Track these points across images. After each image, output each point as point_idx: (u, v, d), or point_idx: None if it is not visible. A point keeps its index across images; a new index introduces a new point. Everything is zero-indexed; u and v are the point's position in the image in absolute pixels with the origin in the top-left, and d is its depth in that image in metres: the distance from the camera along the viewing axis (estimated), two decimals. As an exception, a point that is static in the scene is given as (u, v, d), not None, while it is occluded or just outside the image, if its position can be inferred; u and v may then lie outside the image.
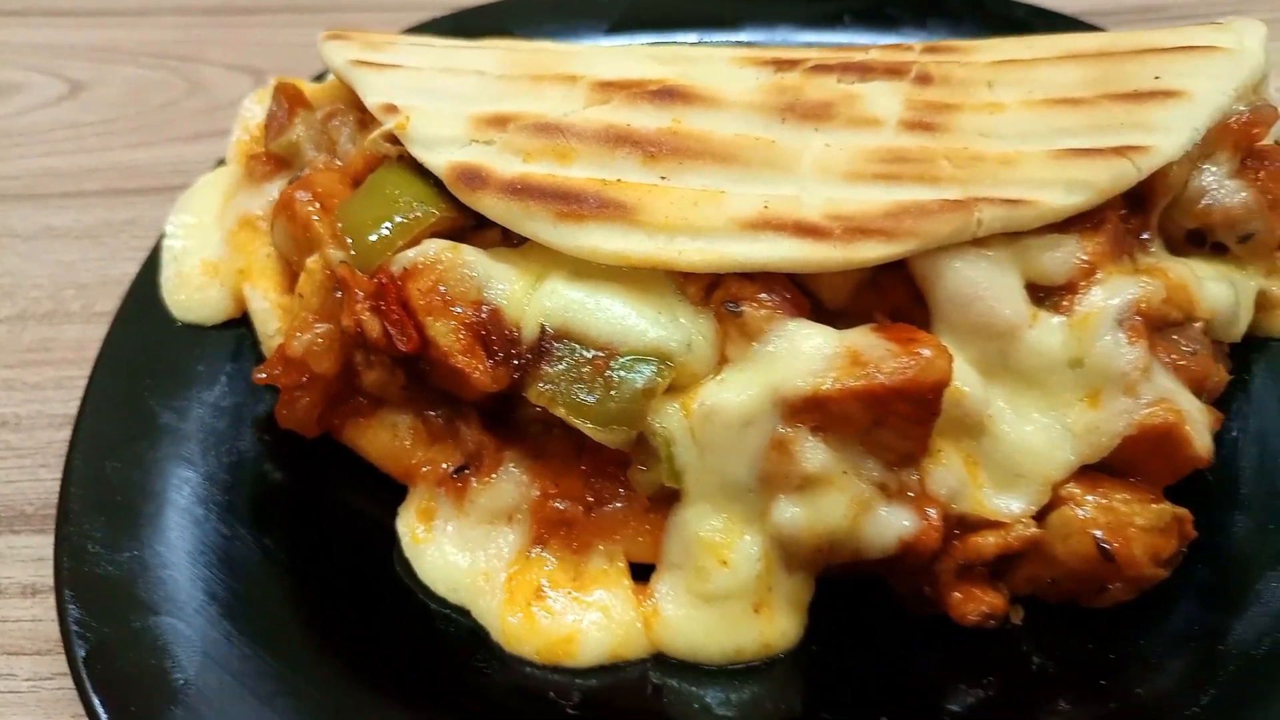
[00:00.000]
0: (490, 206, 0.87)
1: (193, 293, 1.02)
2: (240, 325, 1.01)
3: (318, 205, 0.94)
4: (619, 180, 0.87)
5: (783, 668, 0.84)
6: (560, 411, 0.83)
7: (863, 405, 0.78)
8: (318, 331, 0.90)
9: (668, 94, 0.94)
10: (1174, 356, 0.83)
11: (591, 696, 0.82)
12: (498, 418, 0.91)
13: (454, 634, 0.85)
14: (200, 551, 0.85)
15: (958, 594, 0.81)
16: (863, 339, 0.80)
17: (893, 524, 0.79)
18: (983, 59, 0.98)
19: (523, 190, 0.86)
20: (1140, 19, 1.48)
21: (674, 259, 0.83)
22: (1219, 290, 0.87)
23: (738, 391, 0.81)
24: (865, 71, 0.97)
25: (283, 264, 0.99)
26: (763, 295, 0.84)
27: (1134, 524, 0.79)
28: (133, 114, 1.40)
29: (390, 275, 0.86)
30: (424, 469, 0.91)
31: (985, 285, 0.83)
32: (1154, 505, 0.80)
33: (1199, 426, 0.79)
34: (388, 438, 0.93)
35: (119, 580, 0.82)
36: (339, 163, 1.01)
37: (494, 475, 0.89)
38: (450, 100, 0.95)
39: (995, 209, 0.83)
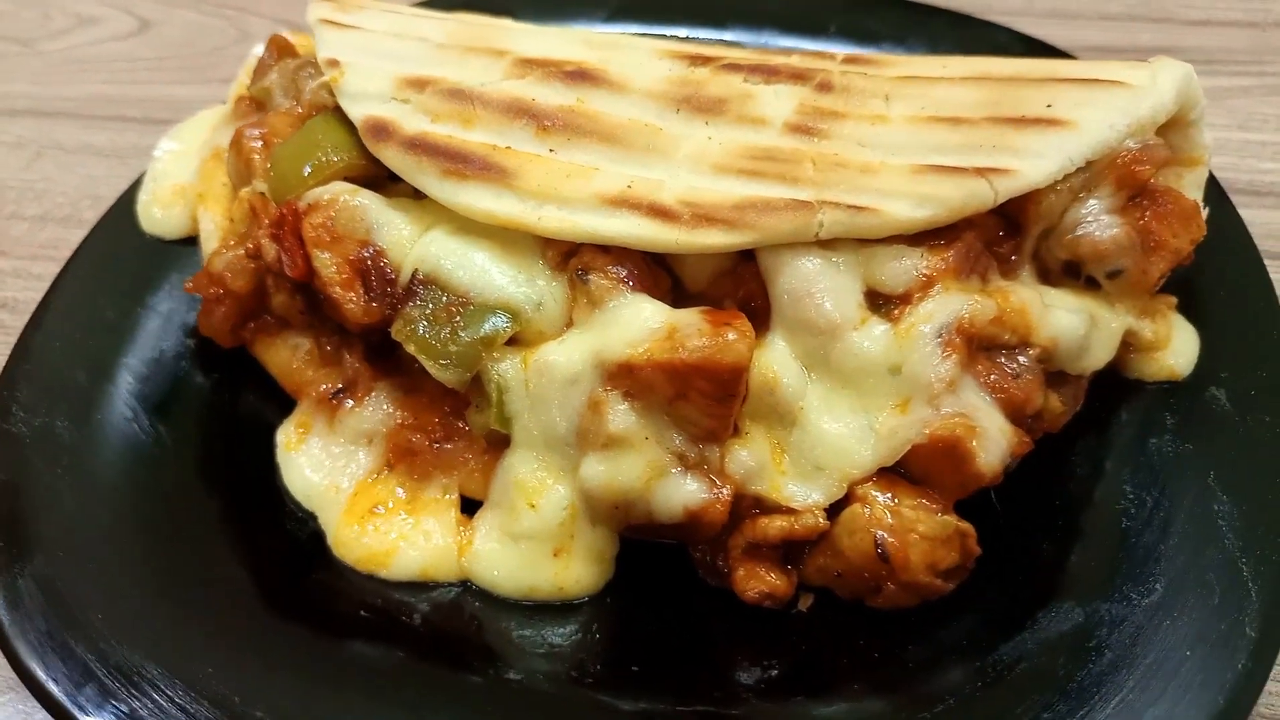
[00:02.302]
0: (390, 158, 0.96)
1: (160, 210, 1.14)
2: (195, 243, 1.13)
3: (261, 143, 1.05)
4: (509, 148, 0.94)
5: (585, 614, 0.90)
6: (411, 348, 0.91)
7: (665, 377, 0.83)
8: (238, 253, 1.01)
9: (579, 75, 1.01)
10: (995, 377, 0.85)
11: (403, 608, 0.90)
12: (382, 352, 1.00)
13: (299, 535, 0.94)
14: (101, 428, 0.97)
15: (743, 571, 0.85)
16: (686, 318, 0.85)
17: (682, 492, 0.84)
18: (892, 73, 1.00)
19: (419, 146, 0.95)
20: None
21: (534, 224, 0.90)
22: (1067, 320, 0.88)
23: (569, 352, 0.88)
24: (772, 74, 1.00)
25: (233, 192, 1.10)
26: (613, 268, 0.89)
27: (916, 530, 0.81)
28: (185, 54, 1.56)
29: (293, 208, 0.96)
30: (310, 388, 1.01)
31: (818, 283, 0.86)
32: (939, 516, 0.81)
33: (991, 445, 0.81)
34: (287, 356, 1.03)
35: (26, 439, 0.95)
36: (300, 109, 1.12)
37: (364, 402, 0.98)
38: (386, 60, 1.04)
39: (838, 213, 0.86)
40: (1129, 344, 0.94)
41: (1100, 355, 0.91)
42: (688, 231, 0.87)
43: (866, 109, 0.96)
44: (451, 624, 0.90)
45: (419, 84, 1.00)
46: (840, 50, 1.10)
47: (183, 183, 1.16)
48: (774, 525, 0.84)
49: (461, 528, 0.92)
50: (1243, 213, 1.25)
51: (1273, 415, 0.89)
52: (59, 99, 1.50)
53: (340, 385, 0.99)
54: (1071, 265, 0.93)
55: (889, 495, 0.83)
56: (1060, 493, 0.90)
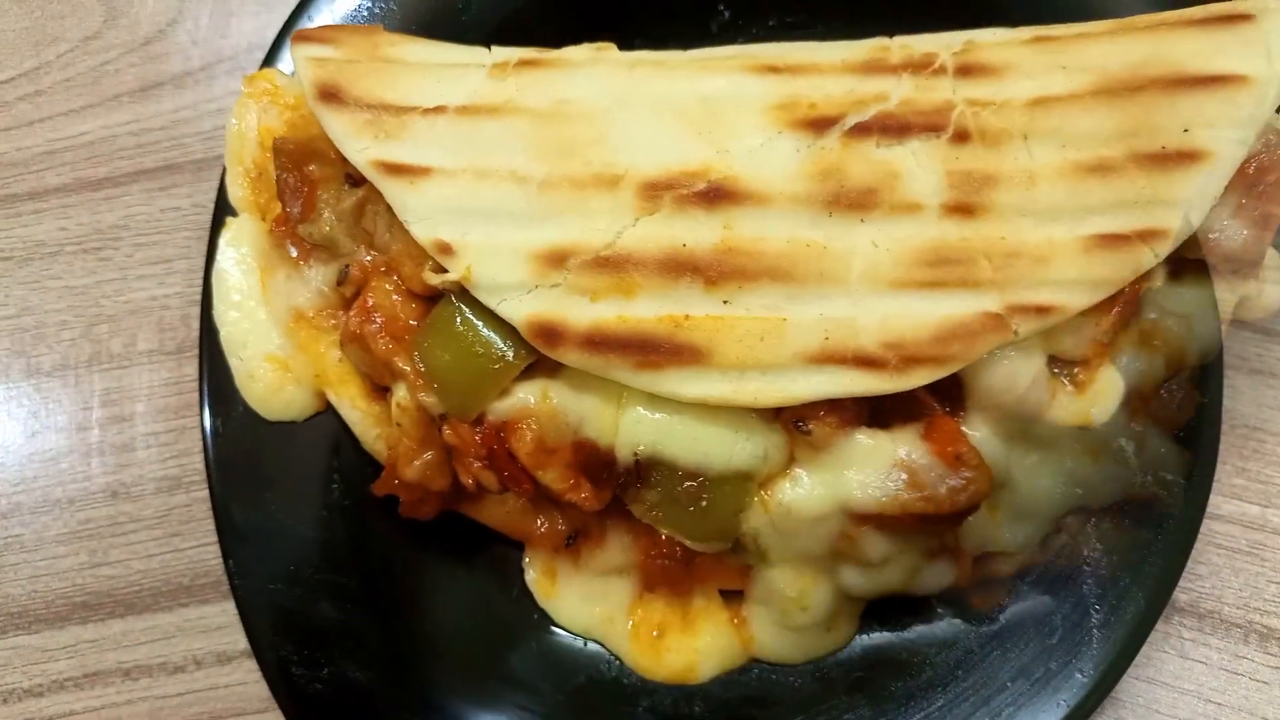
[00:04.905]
0: (573, 361, 0.93)
1: (271, 394, 1.06)
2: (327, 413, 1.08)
3: (389, 339, 0.98)
4: (686, 317, 0.93)
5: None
6: (665, 530, 0.99)
7: (916, 520, 0.95)
8: (426, 459, 1.00)
9: (715, 194, 0.95)
10: (1164, 411, 1.00)
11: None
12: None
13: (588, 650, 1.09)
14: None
15: (977, 600, 1.06)
16: (918, 458, 0.95)
17: (938, 577, 1.01)
18: (1017, 95, 0.97)
19: (600, 344, 0.92)
20: None
21: (750, 401, 0.93)
22: (1206, 329, 1.00)
23: (809, 494, 0.97)
24: (903, 131, 0.96)
25: (365, 380, 1.04)
26: (826, 413, 0.95)
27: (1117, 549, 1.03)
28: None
29: (494, 430, 0.95)
30: (539, 531, 1.08)
31: (1016, 378, 0.96)
32: (1134, 533, 1.02)
33: (1177, 487, 0.99)
34: (502, 512, 1.07)
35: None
36: (381, 257, 1.01)
37: (602, 543, 1.06)
38: (500, 226, 0.94)
39: (1029, 320, 0.93)
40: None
41: (1221, 335, 1.05)
42: (897, 376, 0.93)
43: (1013, 163, 0.95)
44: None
45: (557, 259, 0.93)
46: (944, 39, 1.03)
47: (272, 352, 1.06)
48: (1006, 566, 1.04)
49: (735, 621, 1.08)
50: None
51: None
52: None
53: (571, 531, 1.06)
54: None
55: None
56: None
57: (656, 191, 0.95)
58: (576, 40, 1.09)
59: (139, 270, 1.21)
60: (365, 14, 1.17)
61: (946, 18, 1.07)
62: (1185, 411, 1.01)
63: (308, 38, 1.05)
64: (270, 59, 1.14)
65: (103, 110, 1.25)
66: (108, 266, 1.22)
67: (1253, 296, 1.07)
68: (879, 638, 1.07)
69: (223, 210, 1.10)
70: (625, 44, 1.09)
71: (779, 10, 1.22)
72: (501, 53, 1.04)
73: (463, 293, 0.95)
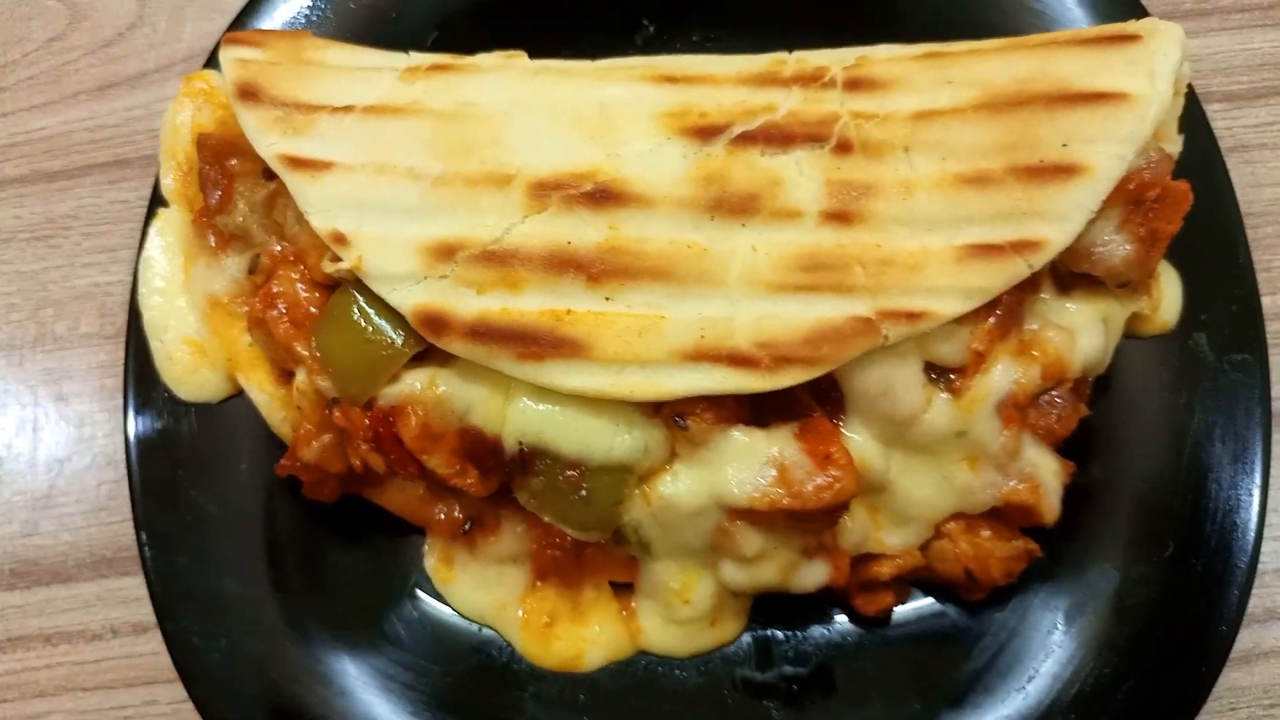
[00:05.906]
0: (457, 349, 0.97)
1: (187, 375, 1.11)
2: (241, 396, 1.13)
3: (291, 324, 1.02)
4: (569, 311, 0.96)
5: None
6: (547, 517, 1.02)
7: (786, 516, 0.97)
8: (324, 441, 1.04)
9: (601, 195, 0.98)
10: (1043, 422, 1.01)
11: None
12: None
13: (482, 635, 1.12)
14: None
15: (860, 600, 1.08)
16: (790, 454, 0.97)
17: (813, 576, 1.03)
18: (903, 107, 0.99)
19: (484, 334, 0.96)
20: None
21: (626, 395, 0.96)
22: (1092, 342, 1.01)
23: (687, 488, 1.00)
24: (787, 140, 0.99)
25: (271, 366, 1.08)
26: (704, 411, 0.98)
27: (995, 555, 1.04)
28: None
29: (382, 414, 0.99)
30: (437, 518, 1.11)
31: (890, 383, 0.98)
32: (1012, 541, 1.03)
33: (1051, 496, 1.00)
34: (402, 498, 1.11)
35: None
36: (289, 247, 1.05)
37: (496, 532, 1.10)
38: (394, 220, 0.98)
39: (899, 325, 0.95)
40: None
41: (1112, 347, 1.06)
42: (769, 375, 0.95)
43: (893, 174, 0.98)
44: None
45: (446, 251, 0.97)
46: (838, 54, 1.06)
47: (190, 336, 1.11)
48: (883, 571, 1.05)
49: (624, 613, 1.11)
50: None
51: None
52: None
53: (468, 520, 1.10)
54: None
55: (967, 529, 1.04)
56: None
57: (545, 191, 0.98)
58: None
59: (85, 258, 1.28)
60: (303, 21, 1.23)
61: (868, 36, 1.10)
62: (1066, 423, 1.02)
63: (237, 40, 1.11)
64: (211, 61, 1.20)
65: (62, 107, 1.32)
66: (56, 254, 1.28)
67: (1148, 313, 1.08)
68: (768, 635, 1.11)
69: (157, 202, 1.16)
70: (552, 56, 1.13)
71: (702, 26, 1.26)
72: (416, 57, 1.09)
73: (358, 283, 1.00)
